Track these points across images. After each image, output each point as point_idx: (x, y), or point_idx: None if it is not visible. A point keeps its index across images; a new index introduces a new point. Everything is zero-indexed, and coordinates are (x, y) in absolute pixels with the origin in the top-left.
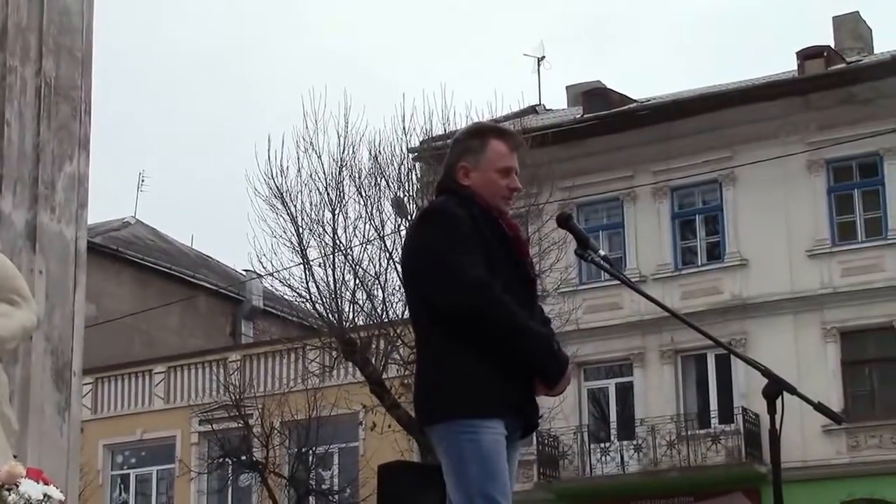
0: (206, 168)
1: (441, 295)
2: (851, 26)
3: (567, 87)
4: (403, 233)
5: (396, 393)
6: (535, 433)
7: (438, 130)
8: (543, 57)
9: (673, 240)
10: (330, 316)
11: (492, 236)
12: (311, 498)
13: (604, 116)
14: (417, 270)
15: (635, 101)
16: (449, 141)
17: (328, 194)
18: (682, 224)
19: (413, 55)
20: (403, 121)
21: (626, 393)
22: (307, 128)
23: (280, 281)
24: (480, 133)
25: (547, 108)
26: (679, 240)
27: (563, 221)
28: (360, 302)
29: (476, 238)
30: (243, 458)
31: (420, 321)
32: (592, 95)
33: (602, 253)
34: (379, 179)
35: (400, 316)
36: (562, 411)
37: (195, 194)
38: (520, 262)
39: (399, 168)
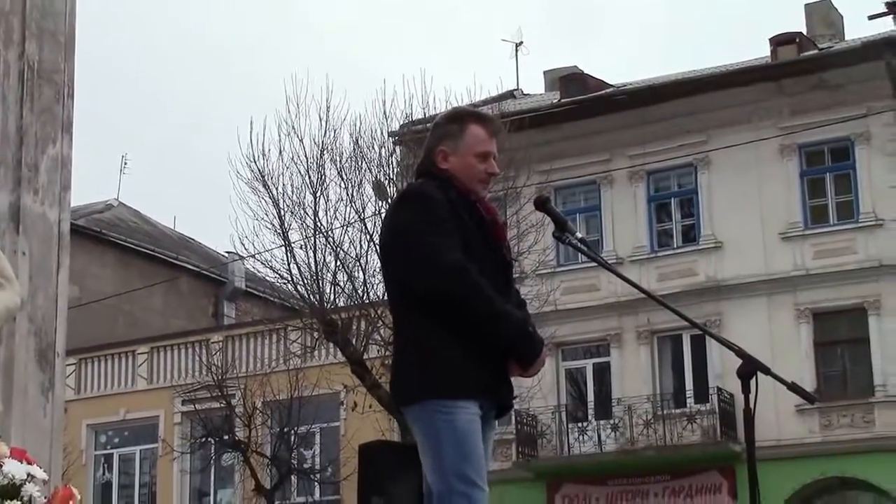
0: (189, 151)
1: (417, 278)
2: (823, 13)
3: (544, 73)
4: (384, 215)
5: (377, 373)
6: (513, 412)
7: (418, 114)
8: (521, 42)
9: (649, 222)
10: (311, 297)
11: (469, 220)
12: (292, 477)
13: (581, 101)
14: (394, 252)
15: (612, 86)
16: (429, 125)
17: (309, 177)
18: (658, 207)
19: (393, 41)
20: (384, 105)
21: (603, 373)
22: (289, 111)
23: (262, 263)
24: (460, 118)
25: (525, 92)
26: (655, 222)
27: (541, 204)
28: (341, 283)
29: (453, 221)
30: (226, 437)
31: (397, 303)
32: (570, 80)
33: (579, 235)
34: (360, 163)
35: (380, 297)
36: (540, 391)
37: (178, 177)
38: (496, 245)
39: (380, 151)
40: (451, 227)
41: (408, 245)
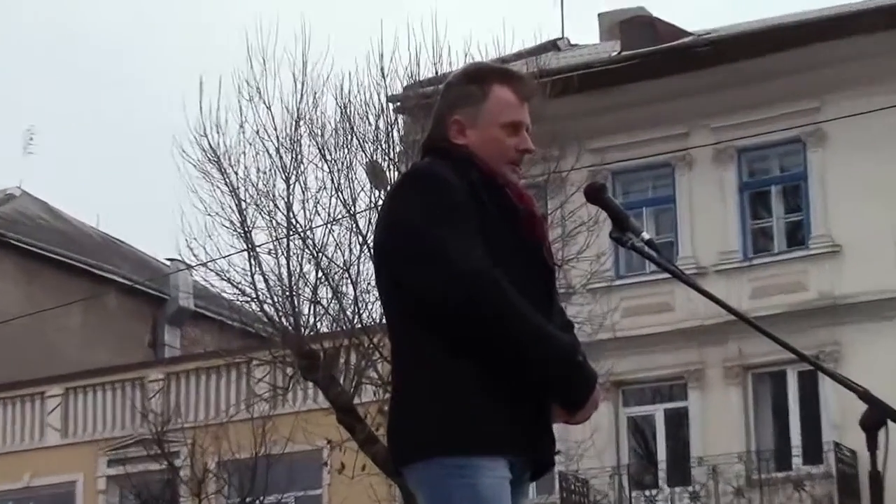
0: (117, 124)
1: (424, 288)
2: None
3: (599, 16)
4: (380, 206)
5: (373, 423)
6: (556, 474)
7: (428, 73)
8: None
9: (741, 219)
10: (283, 320)
11: (495, 211)
12: None
13: (648, 54)
14: (393, 255)
15: (691, 34)
16: (441, 87)
17: (280, 158)
18: (754, 198)
19: None
20: (381, 60)
21: (678, 422)
22: (252, 69)
23: (216, 273)
24: (480, 76)
25: (572, 43)
26: (749, 219)
27: (595, 194)
28: (324, 302)
29: (473, 212)
30: None
31: (396, 324)
32: (633, 27)
33: (646, 236)
34: (349, 138)
35: (378, 320)
36: (593, 446)
37: (101, 159)
38: (534, 246)
39: (376, 123)
40: (470, 221)
41: (411, 244)
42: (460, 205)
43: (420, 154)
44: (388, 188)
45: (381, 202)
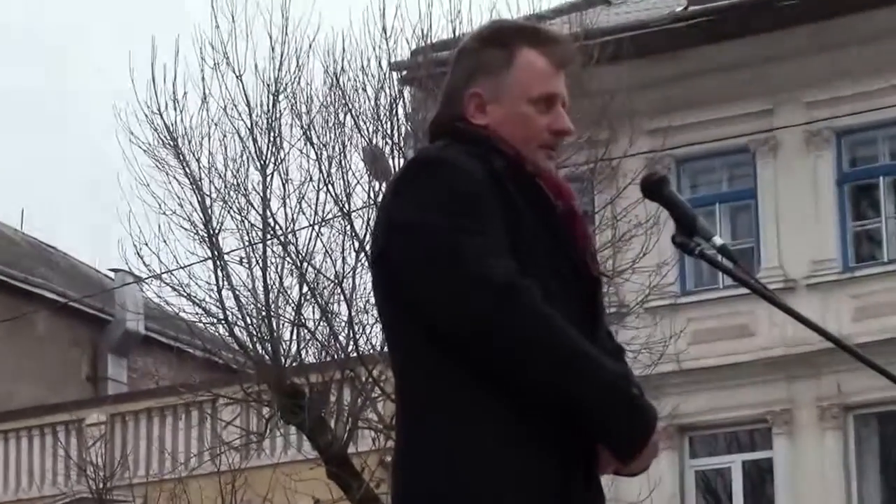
0: (45, 93)
1: (437, 307)
2: None
3: None
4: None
5: (372, 477)
6: None
7: (443, 34)
8: None
9: (840, 219)
10: (259, 347)
11: (525, 208)
12: None
13: (721, 11)
14: (397, 264)
15: None
16: (454, 52)
17: (255, 142)
18: (856, 192)
19: None
20: (383, 17)
21: (760, 477)
22: (218, 30)
23: (173, 288)
24: (503, 38)
25: None
26: (850, 220)
27: (654, 188)
28: (311, 324)
29: (497, 209)
30: None
31: (401, 354)
32: None
33: (719, 241)
34: (342, 116)
35: (378, 348)
36: None
37: (24, 141)
38: (574, 251)
39: (375, 97)
40: (496, 220)
41: (420, 251)
42: (481, 200)
43: (428, 137)
44: (391, 180)
45: (381, 197)
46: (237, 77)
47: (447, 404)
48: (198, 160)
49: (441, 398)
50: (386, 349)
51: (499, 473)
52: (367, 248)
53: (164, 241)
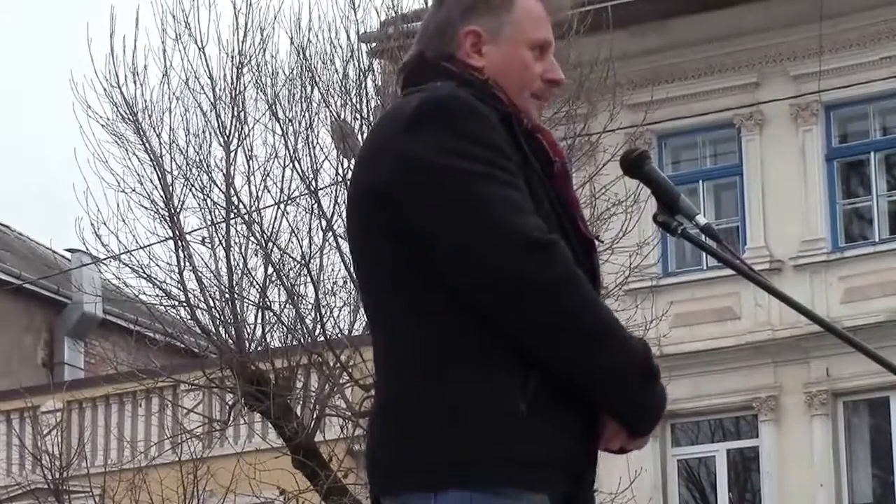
0: None
1: (463, 257)
2: None
3: None
4: (366, 145)
5: (340, 467)
6: None
7: (413, 4)
8: None
9: (829, 197)
10: (222, 331)
11: (529, 162)
12: None
13: None
14: (414, 202)
15: None
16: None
17: (218, 116)
18: (846, 169)
19: None
20: None
21: (747, 465)
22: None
23: (133, 269)
24: None
25: None
26: (840, 198)
27: (634, 165)
28: (276, 307)
29: (515, 161)
30: None
31: (393, 299)
32: None
33: (703, 220)
34: (309, 90)
35: (347, 330)
36: (633, 499)
37: None
38: (571, 213)
39: (344, 70)
40: (518, 174)
41: (448, 193)
42: (504, 150)
43: (400, 80)
44: (392, 116)
45: (349, 174)
46: (199, 49)
47: (459, 363)
48: (158, 136)
49: (451, 356)
50: (355, 333)
51: (503, 423)
52: (336, 228)
53: (123, 221)
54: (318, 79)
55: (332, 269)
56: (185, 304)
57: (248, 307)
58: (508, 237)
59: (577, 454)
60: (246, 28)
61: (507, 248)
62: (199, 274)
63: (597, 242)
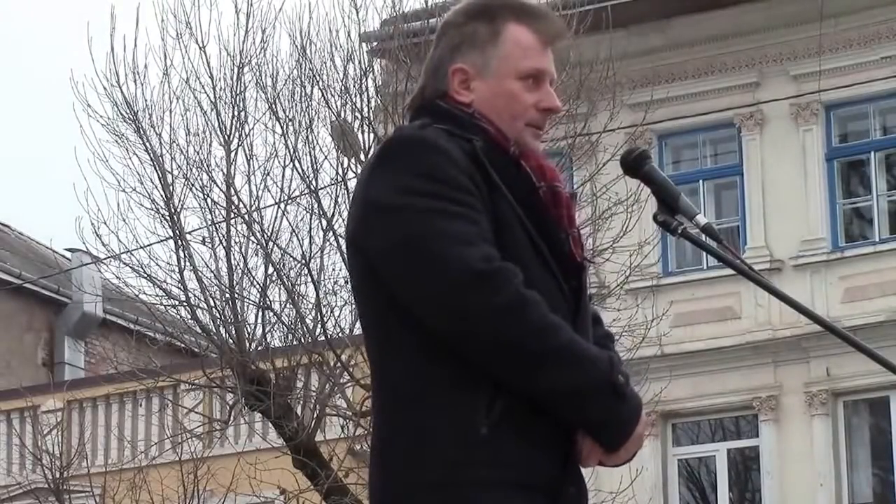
0: None
1: (415, 292)
2: None
3: None
4: (353, 184)
5: (341, 466)
6: None
7: (414, 4)
8: None
9: (830, 197)
10: (222, 331)
11: (510, 191)
12: None
13: None
14: (374, 244)
15: None
16: (434, 23)
17: (218, 116)
18: (846, 169)
19: None
20: None
21: (747, 465)
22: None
23: (133, 269)
24: (489, 12)
25: None
26: (840, 197)
27: (635, 164)
28: (277, 306)
29: (477, 193)
30: None
31: (375, 334)
32: None
33: (703, 220)
34: (309, 89)
35: (348, 330)
36: (633, 498)
37: None
38: (559, 236)
39: (345, 69)
40: (476, 205)
41: (400, 233)
42: (461, 184)
43: (408, 115)
44: (366, 161)
45: (353, 174)
46: (200, 48)
47: (414, 387)
48: (159, 135)
49: (422, 386)
50: (356, 332)
51: (461, 440)
52: (336, 227)
53: (124, 220)
54: (318, 78)
55: (333, 269)
56: (185, 304)
57: (248, 307)
58: (451, 270)
59: (551, 472)
60: (247, 27)
61: (451, 281)
62: (200, 273)
63: (588, 264)
